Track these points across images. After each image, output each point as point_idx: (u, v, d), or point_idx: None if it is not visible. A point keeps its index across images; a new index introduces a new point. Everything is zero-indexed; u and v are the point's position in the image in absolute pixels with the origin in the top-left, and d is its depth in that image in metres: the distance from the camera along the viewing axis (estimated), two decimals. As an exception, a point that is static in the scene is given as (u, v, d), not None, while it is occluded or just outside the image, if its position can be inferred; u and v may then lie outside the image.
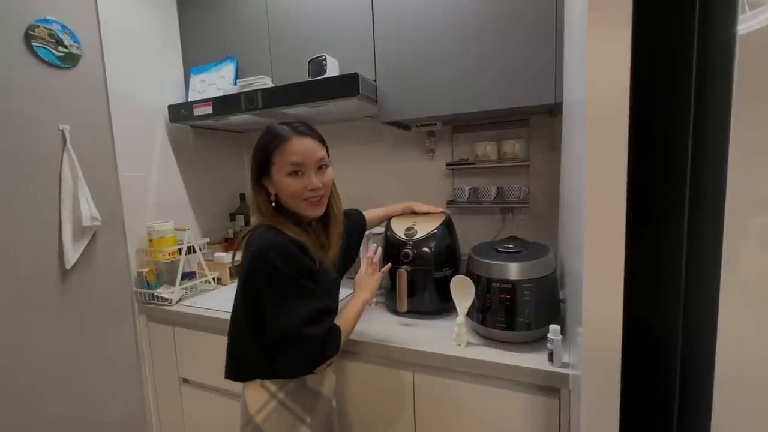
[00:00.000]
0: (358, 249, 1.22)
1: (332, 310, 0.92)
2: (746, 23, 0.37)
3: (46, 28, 1.25)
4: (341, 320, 0.92)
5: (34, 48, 1.23)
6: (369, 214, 1.29)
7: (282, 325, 0.82)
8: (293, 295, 0.83)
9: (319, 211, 0.93)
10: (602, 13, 0.45)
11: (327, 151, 0.94)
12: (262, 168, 0.91)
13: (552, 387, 0.91)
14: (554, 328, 0.90)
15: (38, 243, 1.25)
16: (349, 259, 1.14)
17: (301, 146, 0.88)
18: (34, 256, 1.24)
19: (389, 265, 1.12)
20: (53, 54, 1.27)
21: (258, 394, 0.89)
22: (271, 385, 0.89)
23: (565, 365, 0.90)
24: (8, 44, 1.18)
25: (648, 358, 0.52)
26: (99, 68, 1.41)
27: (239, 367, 0.93)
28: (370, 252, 1.08)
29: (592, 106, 0.47)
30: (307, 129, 0.91)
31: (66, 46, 1.30)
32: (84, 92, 1.36)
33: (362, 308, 0.98)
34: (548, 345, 0.90)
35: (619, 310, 0.48)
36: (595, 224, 0.48)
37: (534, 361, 0.93)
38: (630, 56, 0.44)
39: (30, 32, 1.22)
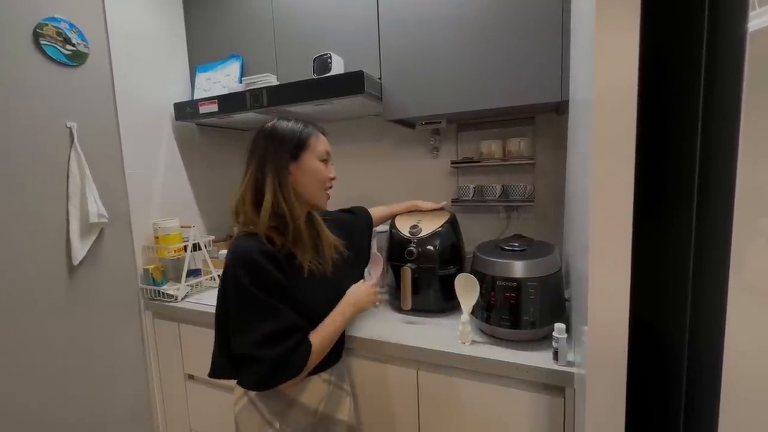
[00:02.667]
0: (369, 246, 1.22)
1: (299, 327, 0.84)
2: (757, 20, 0.37)
3: (54, 26, 1.26)
4: (314, 336, 0.87)
5: (43, 46, 1.24)
6: (373, 212, 1.29)
7: (240, 341, 0.81)
8: (254, 312, 0.81)
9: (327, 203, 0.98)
10: (610, 9, 0.45)
11: None
12: (294, 151, 0.88)
13: (557, 386, 0.90)
14: (559, 326, 0.90)
15: (46, 239, 1.27)
16: (360, 257, 1.14)
17: (326, 140, 0.96)
18: (42, 253, 1.26)
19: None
20: (61, 52, 1.28)
21: (237, 387, 0.92)
22: None
23: (570, 364, 0.89)
24: (17, 42, 1.19)
25: (654, 358, 0.51)
26: (106, 66, 1.42)
27: (214, 365, 0.94)
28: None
29: (600, 103, 0.46)
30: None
31: (74, 45, 1.31)
32: (91, 90, 1.38)
33: (339, 324, 0.92)
34: (553, 343, 0.90)
35: (625, 309, 0.48)
36: (601, 223, 0.48)
37: (539, 359, 0.93)
38: (638, 53, 0.43)
39: (38, 30, 1.23)
